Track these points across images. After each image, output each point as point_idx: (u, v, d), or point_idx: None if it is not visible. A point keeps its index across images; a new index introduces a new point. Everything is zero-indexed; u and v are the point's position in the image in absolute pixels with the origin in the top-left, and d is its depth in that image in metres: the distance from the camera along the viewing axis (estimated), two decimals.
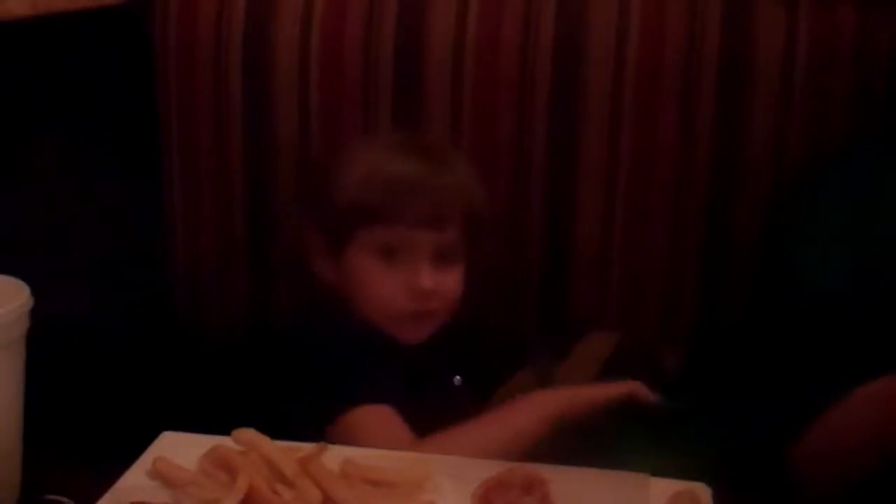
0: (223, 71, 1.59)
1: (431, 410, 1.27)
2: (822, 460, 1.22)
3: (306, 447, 1.03)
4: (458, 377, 1.41)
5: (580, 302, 1.58)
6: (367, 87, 1.56)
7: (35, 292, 0.94)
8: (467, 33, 1.53)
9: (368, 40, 1.55)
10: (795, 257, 1.36)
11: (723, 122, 1.51)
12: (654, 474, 1.07)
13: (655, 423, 1.32)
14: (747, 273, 1.52)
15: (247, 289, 1.63)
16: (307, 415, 1.23)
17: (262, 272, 1.62)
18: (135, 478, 1.01)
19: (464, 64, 1.54)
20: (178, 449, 1.03)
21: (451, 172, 1.36)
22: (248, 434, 1.03)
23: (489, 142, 1.56)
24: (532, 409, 1.24)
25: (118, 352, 1.25)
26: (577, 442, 1.27)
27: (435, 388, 1.39)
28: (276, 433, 1.03)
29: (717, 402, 1.33)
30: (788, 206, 1.46)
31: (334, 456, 1.03)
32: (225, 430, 1.02)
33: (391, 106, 1.56)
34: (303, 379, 1.31)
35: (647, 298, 1.57)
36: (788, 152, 1.51)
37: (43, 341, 0.98)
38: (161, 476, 1.01)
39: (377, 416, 1.24)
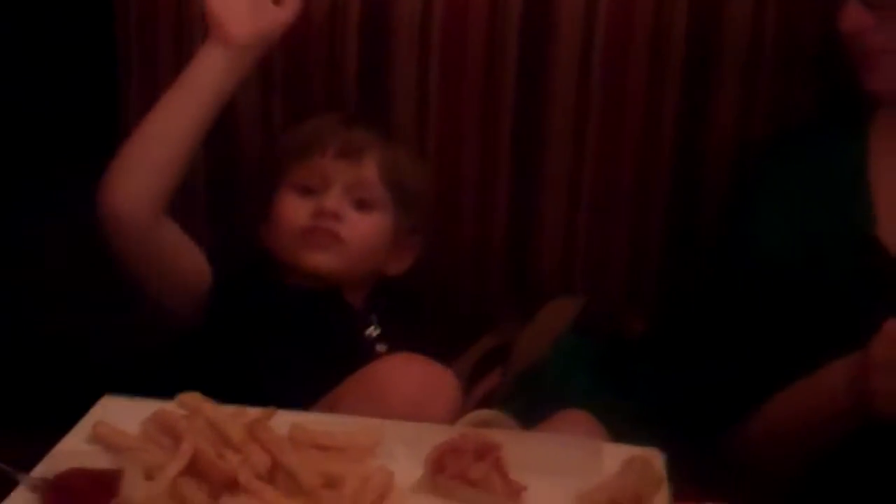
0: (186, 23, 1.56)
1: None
2: (767, 442, 1.24)
3: (253, 412, 1.01)
4: (371, 328, 1.41)
5: (546, 266, 1.57)
6: (334, 55, 1.54)
7: None
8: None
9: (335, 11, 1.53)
10: (746, 228, 1.35)
11: (689, 97, 1.51)
12: (608, 439, 1.06)
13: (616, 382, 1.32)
14: (712, 241, 1.50)
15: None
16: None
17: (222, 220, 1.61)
18: (74, 443, 1.00)
19: (431, 31, 1.52)
20: (120, 413, 1.01)
21: (369, 127, 1.45)
22: (193, 398, 1.01)
23: (456, 109, 1.55)
24: None
25: (57, 313, 1.23)
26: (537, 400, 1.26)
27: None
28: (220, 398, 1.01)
29: (676, 368, 1.33)
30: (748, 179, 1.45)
31: (282, 421, 1.01)
32: (168, 395, 1.00)
33: (357, 76, 1.55)
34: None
35: (612, 264, 1.57)
36: (753, 127, 1.51)
37: None
38: (102, 441, 0.99)
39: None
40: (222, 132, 1.52)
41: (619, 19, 1.50)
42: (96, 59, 1.55)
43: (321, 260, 1.38)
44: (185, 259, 1.35)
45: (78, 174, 1.29)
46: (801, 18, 1.48)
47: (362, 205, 1.40)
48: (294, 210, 1.39)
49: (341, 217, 1.38)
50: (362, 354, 1.31)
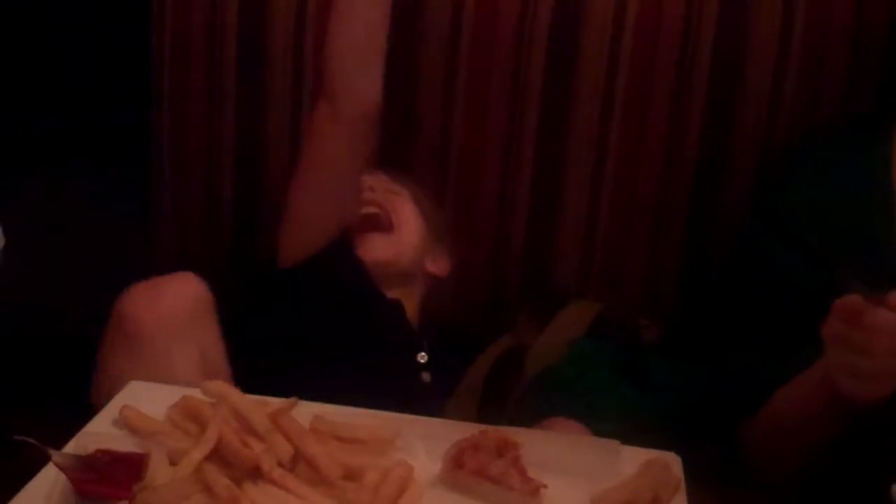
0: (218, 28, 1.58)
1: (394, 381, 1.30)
2: (769, 437, 1.23)
3: (276, 401, 1.02)
4: (422, 354, 1.43)
5: (564, 270, 1.58)
6: None
7: (7, 234, 0.93)
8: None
9: None
10: (767, 234, 1.35)
11: (714, 106, 1.52)
12: (625, 441, 1.06)
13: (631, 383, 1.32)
14: (728, 251, 1.51)
15: (230, 244, 1.64)
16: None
17: (246, 221, 1.63)
18: (101, 425, 1.01)
19: (461, 35, 1.54)
20: (146, 398, 1.02)
21: None
22: (218, 386, 1.02)
23: (482, 107, 1.55)
24: None
25: (89, 297, 1.24)
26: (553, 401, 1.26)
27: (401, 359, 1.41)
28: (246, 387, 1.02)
29: (693, 369, 1.33)
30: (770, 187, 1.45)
31: (304, 411, 1.02)
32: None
33: (385, 88, 1.52)
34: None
35: (629, 270, 1.57)
36: (776, 135, 1.51)
37: (15, 286, 0.97)
38: (128, 425, 1.00)
39: None
40: (250, 147, 1.59)
41: (646, 27, 1.51)
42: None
43: (372, 250, 1.45)
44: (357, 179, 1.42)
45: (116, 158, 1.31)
46: (830, 24, 1.48)
47: (394, 194, 1.50)
48: None
49: (377, 190, 1.49)
50: (406, 375, 1.35)
